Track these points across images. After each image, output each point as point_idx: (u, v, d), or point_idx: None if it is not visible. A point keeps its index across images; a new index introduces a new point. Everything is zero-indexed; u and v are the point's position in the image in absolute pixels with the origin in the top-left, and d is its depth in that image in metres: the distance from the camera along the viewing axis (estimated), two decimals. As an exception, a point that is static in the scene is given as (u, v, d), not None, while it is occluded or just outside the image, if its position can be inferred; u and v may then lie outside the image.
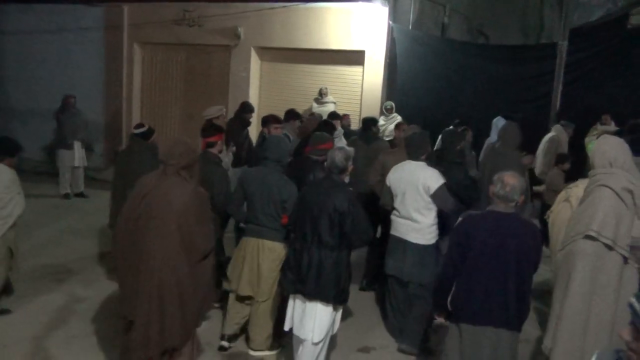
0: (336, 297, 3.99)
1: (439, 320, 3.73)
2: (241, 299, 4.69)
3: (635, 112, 8.64)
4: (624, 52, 9.15)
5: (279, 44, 10.90)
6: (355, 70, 10.56)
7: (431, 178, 4.61)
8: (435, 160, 5.14)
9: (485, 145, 7.62)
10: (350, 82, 10.68)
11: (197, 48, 11.68)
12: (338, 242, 3.95)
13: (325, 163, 4.24)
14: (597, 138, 8.94)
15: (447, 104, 9.85)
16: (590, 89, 9.27)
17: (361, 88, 10.45)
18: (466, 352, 3.34)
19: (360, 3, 9.74)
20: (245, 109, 8.13)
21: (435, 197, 4.58)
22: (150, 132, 6.24)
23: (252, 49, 11.16)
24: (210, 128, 5.43)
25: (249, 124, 8.14)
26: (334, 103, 10.31)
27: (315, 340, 3.98)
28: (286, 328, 4.22)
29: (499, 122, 7.22)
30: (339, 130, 7.05)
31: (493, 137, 7.66)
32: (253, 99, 10.93)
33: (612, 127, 9.06)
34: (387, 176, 4.92)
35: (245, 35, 11.02)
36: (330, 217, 3.90)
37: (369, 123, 6.80)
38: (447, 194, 4.62)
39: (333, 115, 8.00)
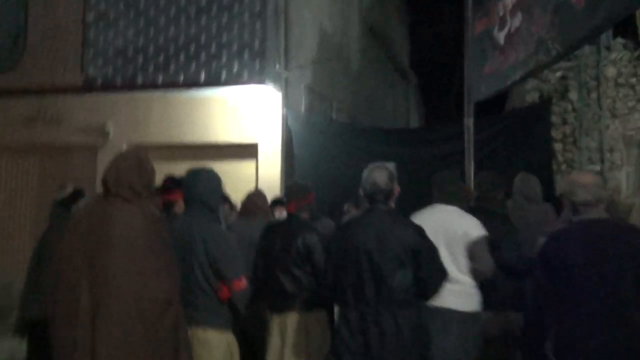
0: None
1: None
2: None
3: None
4: (523, 130, 9.07)
5: (157, 140, 9.51)
6: (247, 165, 9.45)
7: (473, 226, 3.58)
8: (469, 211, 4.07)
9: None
10: (243, 178, 9.47)
11: (54, 151, 9.85)
12: (415, 294, 2.79)
13: (359, 191, 3.28)
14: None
15: (353, 194, 8.97)
16: (497, 169, 8.97)
17: (255, 184, 9.29)
18: None
19: (251, 86, 8.81)
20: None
21: (474, 246, 3.43)
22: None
23: (124, 147, 9.62)
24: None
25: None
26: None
27: None
28: None
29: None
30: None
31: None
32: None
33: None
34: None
35: (115, 132, 9.51)
36: (400, 260, 2.81)
37: None
38: (486, 249, 3.50)
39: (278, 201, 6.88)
